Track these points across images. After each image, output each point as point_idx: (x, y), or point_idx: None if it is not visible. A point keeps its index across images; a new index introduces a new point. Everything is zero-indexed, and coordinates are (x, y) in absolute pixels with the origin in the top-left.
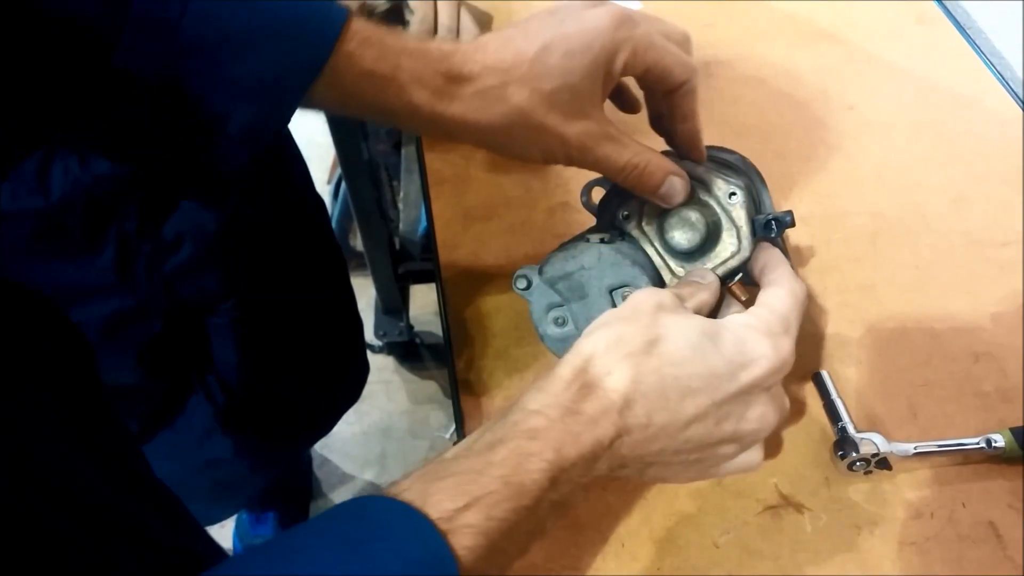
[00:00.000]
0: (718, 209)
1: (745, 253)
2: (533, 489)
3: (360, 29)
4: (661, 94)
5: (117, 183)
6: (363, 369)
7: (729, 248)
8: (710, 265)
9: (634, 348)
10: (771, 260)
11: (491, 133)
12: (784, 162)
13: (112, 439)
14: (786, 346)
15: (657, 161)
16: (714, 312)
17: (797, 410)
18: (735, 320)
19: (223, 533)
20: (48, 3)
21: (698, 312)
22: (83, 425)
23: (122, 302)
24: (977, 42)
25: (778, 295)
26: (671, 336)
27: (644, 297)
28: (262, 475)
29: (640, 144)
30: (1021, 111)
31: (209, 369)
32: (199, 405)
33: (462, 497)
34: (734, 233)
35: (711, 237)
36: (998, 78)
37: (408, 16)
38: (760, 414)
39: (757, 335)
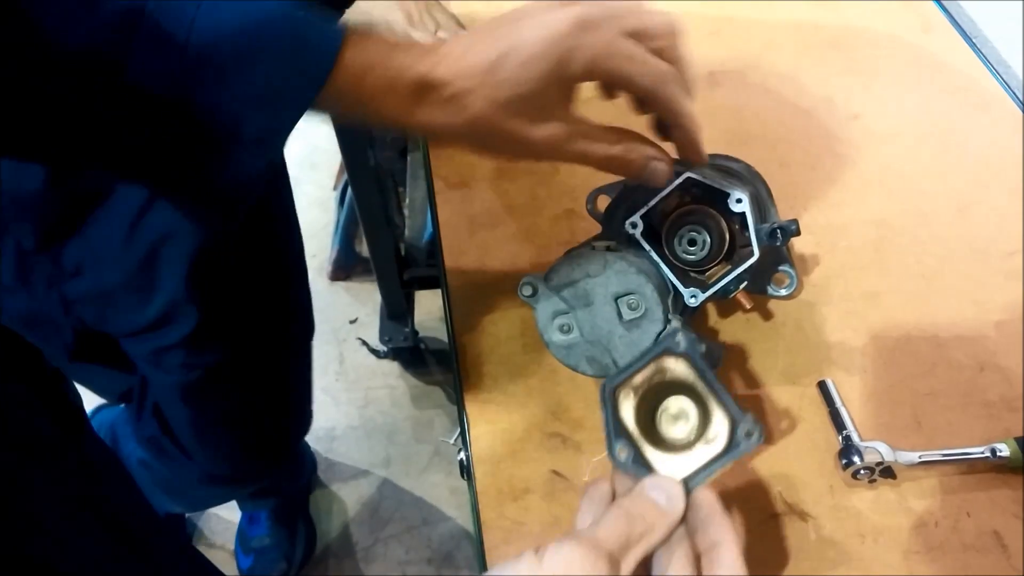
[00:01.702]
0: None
1: (753, 260)
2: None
3: (355, 42)
4: (638, 101)
5: (14, 201)
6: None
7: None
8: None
9: None
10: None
11: (459, 138)
12: (789, 171)
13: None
14: None
15: (636, 148)
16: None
17: (801, 418)
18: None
19: (226, 537)
20: (56, 33)
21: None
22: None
23: (28, 305)
24: (983, 51)
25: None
26: None
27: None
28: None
29: (615, 132)
30: None
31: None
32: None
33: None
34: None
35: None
36: (1004, 87)
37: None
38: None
39: None
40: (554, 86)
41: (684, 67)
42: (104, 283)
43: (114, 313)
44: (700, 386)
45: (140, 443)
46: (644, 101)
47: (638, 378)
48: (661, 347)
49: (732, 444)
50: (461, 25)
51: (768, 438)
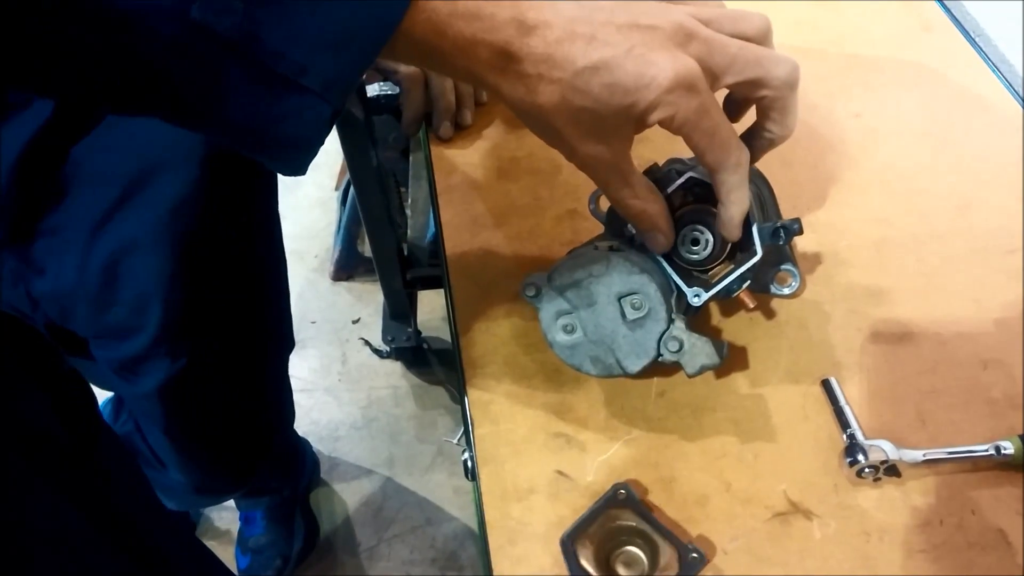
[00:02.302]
0: None
1: (755, 259)
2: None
3: None
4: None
5: None
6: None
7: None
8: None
9: None
10: None
11: (519, 113)
12: (790, 170)
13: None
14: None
15: (652, 213)
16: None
17: (805, 417)
18: None
19: (225, 537)
20: None
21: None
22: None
23: None
24: (984, 49)
25: None
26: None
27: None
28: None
29: (644, 187)
30: None
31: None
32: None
33: None
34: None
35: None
36: (1005, 85)
37: (401, 105)
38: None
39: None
40: (625, 122)
41: (785, 124)
42: (62, 286)
43: (74, 316)
44: (646, 527)
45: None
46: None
47: (591, 529)
48: (604, 499)
49: (682, 569)
50: None
51: (772, 437)
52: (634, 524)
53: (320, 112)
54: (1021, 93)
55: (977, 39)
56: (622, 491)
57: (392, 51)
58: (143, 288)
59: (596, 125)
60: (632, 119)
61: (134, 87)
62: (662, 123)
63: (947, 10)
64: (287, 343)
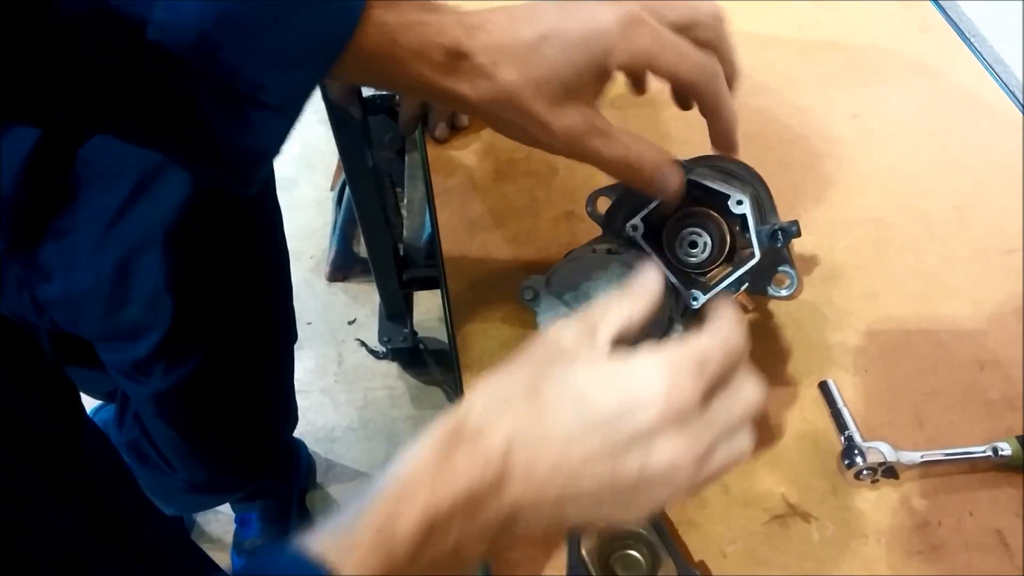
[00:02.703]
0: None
1: (753, 261)
2: (406, 541)
3: (380, 2)
4: (678, 94)
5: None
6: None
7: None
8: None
9: (513, 397)
10: (718, 301)
11: (480, 109)
12: (788, 171)
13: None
14: (688, 389)
15: (649, 153)
16: (662, 314)
17: (803, 419)
18: (643, 355)
19: (226, 542)
20: None
21: (625, 330)
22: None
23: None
24: (980, 49)
25: (701, 336)
26: (554, 383)
27: (540, 339)
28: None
29: (632, 136)
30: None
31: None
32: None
33: (342, 549)
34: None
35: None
36: (1001, 85)
37: (398, 105)
38: (668, 458)
39: (655, 375)
40: (591, 76)
41: (730, 57)
42: (74, 289)
43: (85, 319)
44: (653, 538)
45: (122, 448)
46: (686, 94)
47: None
48: None
49: None
50: None
51: (770, 440)
52: (644, 533)
53: (277, 126)
54: (1019, 96)
55: (973, 39)
56: None
57: (347, 64)
58: (155, 286)
59: (561, 90)
60: (594, 71)
61: (90, 104)
62: (627, 67)
63: (943, 11)
64: (292, 336)
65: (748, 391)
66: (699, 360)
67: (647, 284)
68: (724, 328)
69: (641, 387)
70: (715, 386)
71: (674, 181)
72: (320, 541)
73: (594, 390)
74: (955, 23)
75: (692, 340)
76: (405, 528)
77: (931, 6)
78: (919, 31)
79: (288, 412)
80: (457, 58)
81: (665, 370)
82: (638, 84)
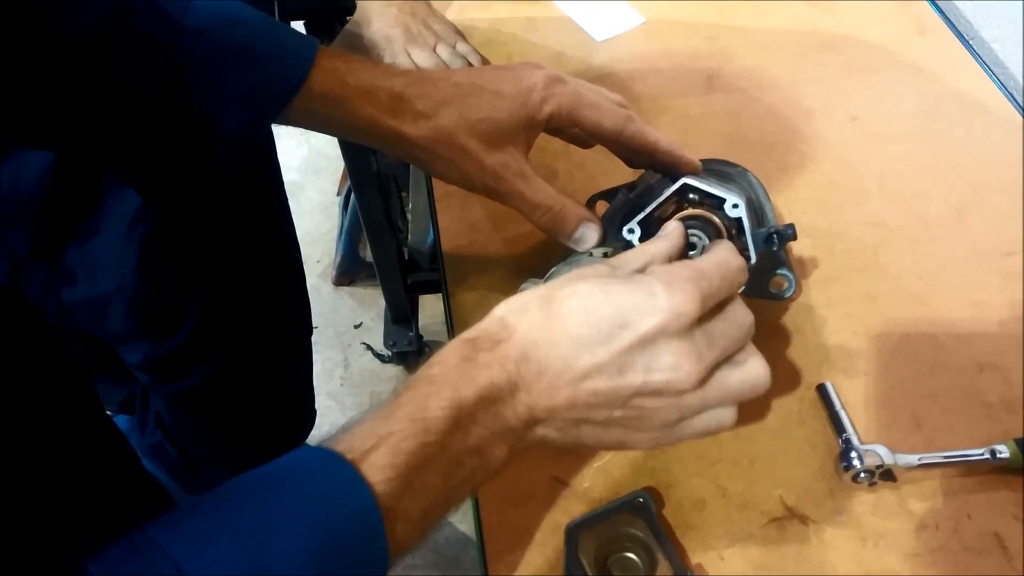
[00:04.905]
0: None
1: (749, 264)
2: (437, 425)
3: (328, 52)
4: (610, 143)
5: (10, 207)
6: (306, 414)
7: None
8: None
9: (530, 307)
10: (716, 242)
11: (419, 146)
12: (787, 174)
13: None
14: (688, 298)
15: (571, 208)
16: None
17: (801, 422)
18: (645, 273)
19: None
20: (52, 19)
21: (645, 267)
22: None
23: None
24: (979, 52)
25: (703, 257)
26: (567, 294)
27: (570, 270)
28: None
29: (555, 190)
30: (1023, 120)
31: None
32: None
33: (371, 438)
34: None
35: None
36: (1000, 88)
37: None
38: (671, 364)
39: (659, 287)
40: (521, 125)
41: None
42: (99, 290)
43: (109, 320)
44: (651, 541)
45: (145, 454)
46: (613, 140)
47: (600, 526)
48: (621, 502)
49: None
50: (460, 34)
51: (768, 442)
52: (641, 535)
53: (228, 159)
54: (1018, 99)
55: (971, 41)
56: (640, 499)
57: (298, 105)
58: (180, 283)
59: (495, 133)
60: (524, 121)
61: (52, 127)
62: (553, 118)
63: (941, 13)
64: (308, 326)
65: (742, 315)
66: (696, 275)
67: (670, 229)
68: (719, 254)
69: (642, 296)
70: (712, 305)
71: (593, 238)
72: (348, 438)
73: (600, 300)
74: (953, 25)
75: (695, 260)
76: (434, 414)
77: (930, 8)
78: (918, 34)
79: (310, 402)
80: (399, 101)
81: (664, 281)
82: (578, 140)
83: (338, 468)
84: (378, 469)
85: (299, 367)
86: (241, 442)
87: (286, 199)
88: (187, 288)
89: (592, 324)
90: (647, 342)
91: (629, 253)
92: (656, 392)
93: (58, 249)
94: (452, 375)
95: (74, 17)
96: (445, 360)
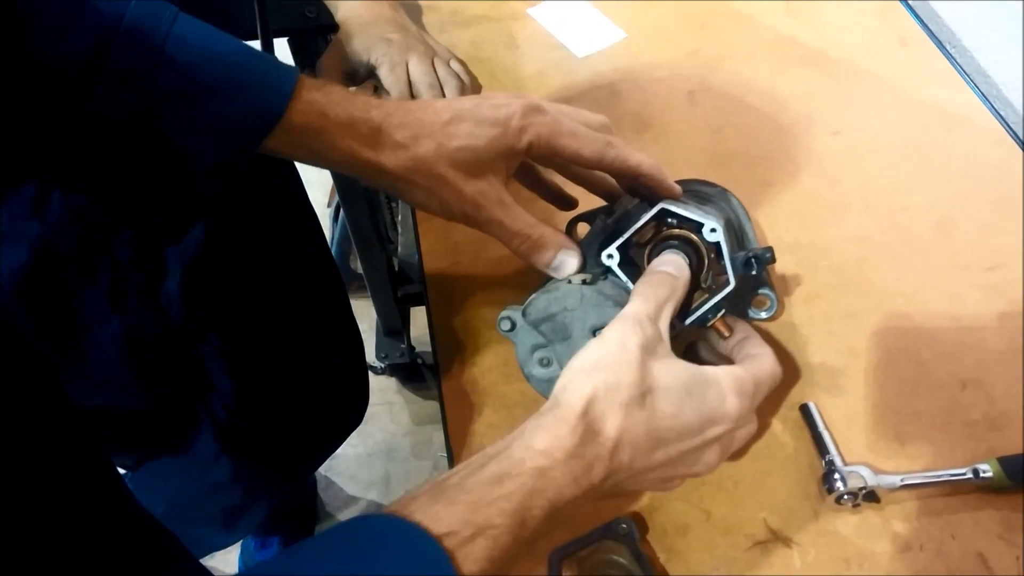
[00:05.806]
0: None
1: (728, 289)
2: (533, 524)
3: (309, 84)
4: (592, 170)
5: (112, 209)
6: (364, 392)
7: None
8: (696, 301)
9: (628, 398)
10: (752, 338)
11: (398, 176)
12: (769, 189)
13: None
14: (748, 410)
15: (550, 235)
16: (687, 303)
17: (785, 443)
18: (718, 374)
19: (229, 559)
20: (31, 54)
21: (670, 308)
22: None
23: (118, 328)
24: (960, 61)
25: (761, 365)
26: (660, 389)
27: (628, 336)
28: (267, 500)
29: (534, 218)
30: (1006, 131)
31: (211, 391)
32: (203, 430)
33: (470, 526)
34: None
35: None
36: (981, 98)
37: (384, 96)
38: (708, 460)
39: (732, 394)
40: (500, 153)
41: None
42: (188, 276)
43: (199, 307)
44: (635, 568)
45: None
46: (595, 168)
47: (583, 552)
48: (605, 528)
49: None
50: (452, 53)
51: (752, 464)
52: (625, 562)
53: (205, 188)
54: (998, 109)
55: (952, 50)
56: (624, 525)
57: (278, 137)
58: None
59: (474, 161)
60: (503, 149)
61: (30, 160)
62: (532, 146)
63: (923, 24)
64: (350, 315)
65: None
66: (756, 387)
67: (677, 269)
68: (770, 366)
69: (719, 406)
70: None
71: (572, 265)
72: (441, 516)
73: (690, 400)
74: (935, 35)
75: (753, 367)
76: (534, 513)
77: (911, 20)
78: (899, 45)
79: (363, 390)
80: (378, 133)
81: (736, 391)
82: (563, 169)
83: (434, 557)
84: (474, 562)
85: (350, 329)
86: (279, 427)
87: (313, 211)
88: (253, 273)
89: (678, 427)
90: (707, 444)
91: (651, 302)
92: (686, 476)
93: (158, 249)
94: (559, 474)
95: (53, 52)
96: (553, 454)
